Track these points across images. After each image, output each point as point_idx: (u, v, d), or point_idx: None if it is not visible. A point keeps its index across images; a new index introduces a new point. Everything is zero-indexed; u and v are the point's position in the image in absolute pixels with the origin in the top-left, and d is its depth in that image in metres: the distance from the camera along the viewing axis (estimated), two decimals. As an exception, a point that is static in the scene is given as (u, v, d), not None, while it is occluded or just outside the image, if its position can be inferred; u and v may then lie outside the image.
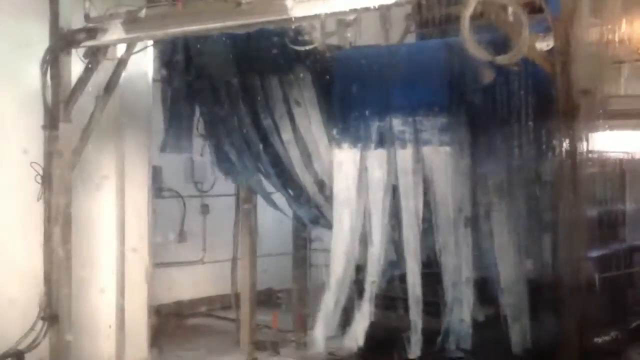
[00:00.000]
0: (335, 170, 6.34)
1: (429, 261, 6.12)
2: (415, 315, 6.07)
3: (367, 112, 6.06)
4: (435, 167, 5.79)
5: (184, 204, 9.88)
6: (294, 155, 6.94)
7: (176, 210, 9.44)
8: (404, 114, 5.83)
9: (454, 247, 5.83)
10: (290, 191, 7.24)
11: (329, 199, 6.71)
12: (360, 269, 6.32)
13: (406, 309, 6.34)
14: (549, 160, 5.22)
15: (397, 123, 5.87)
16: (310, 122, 6.69)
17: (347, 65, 6.15)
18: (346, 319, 6.36)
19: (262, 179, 7.52)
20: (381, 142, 6.05)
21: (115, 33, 6.03)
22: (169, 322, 8.74)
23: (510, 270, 5.77)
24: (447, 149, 5.70)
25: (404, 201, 5.94)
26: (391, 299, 6.68)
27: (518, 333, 5.78)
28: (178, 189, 9.94)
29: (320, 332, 6.37)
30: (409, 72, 5.74)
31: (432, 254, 6.04)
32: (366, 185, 6.13)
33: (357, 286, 6.27)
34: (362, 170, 6.15)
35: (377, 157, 6.07)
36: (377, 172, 6.06)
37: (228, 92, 7.06)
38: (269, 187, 7.70)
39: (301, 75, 6.43)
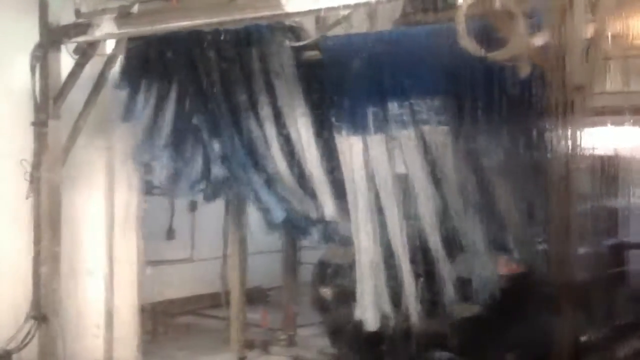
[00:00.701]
0: (340, 157, 6.23)
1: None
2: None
3: (363, 97, 5.95)
4: (437, 145, 5.76)
5: (173, 201, 9.83)
6: (270, 135, 6.57)
7: (165, 208, 9.36)
8: (400, 98, 5.77)
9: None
10: (257, 175, 6.80)
11: (304, 187, 6.54)
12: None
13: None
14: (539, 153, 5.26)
15: (393, 107, 5.81)
16: (291, 97, 6.39)
17: (339, 51, 6.07)
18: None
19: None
20: (380, 126, 5.97)
21: (106, 28, 5.99)
22: (158, 321, 8.68)
23: None
24: (445, 128, 5.65)
25: (416, 183, 5.89)
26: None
27: None
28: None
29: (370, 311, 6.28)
30: (402, 56, 5.68)
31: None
32: (373, 170, 6.05)
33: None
34: (367, 155, 6.04)
35: (379, 141, 6.00)
36: (382, 155, 5.99)
37: (203, 65, 6.67)
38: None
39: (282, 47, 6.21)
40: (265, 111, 6.45)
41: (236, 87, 6.52)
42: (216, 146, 6.79)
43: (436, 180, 5.82)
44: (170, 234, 9.62)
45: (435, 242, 5.90)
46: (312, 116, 6.35)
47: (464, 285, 5.96)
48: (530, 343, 5.79)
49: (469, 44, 4.37)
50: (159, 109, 6.92)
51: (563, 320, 4.21)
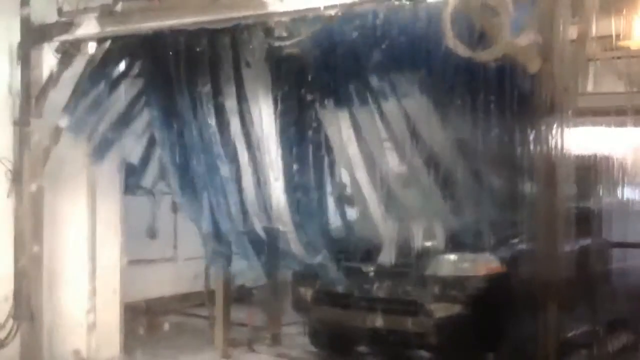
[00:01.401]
0: (328, 129, 6.24)
1: None
2: None
3: (344, 73, 5.93)
4: (418, 116, 5.78)
5: (156, 201, 9.77)
6: (236, 130, 6.35)
7: (148, 208, 9.31)
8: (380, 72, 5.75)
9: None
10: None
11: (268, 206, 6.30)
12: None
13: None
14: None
15: (374, 80, 5.79)
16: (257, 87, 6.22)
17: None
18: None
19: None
20: (363, 100, 5.98)
21: (89, 27, 5.92)
22: (142, 320, 8.64)
23: None
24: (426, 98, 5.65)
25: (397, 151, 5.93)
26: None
27: None
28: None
29: None
30: (382, 35, 5.62)
31: None
32: (359, 141, 6.06)
33: None
34: (351, 128, 6.06)
35: (362, 113, 6.01)
36: (370, 126, 6.01)
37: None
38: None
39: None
40: (230, 103, 6.32)
41: (202, 77, 6.37)
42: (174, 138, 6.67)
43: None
44: (152, 233, 9.55)
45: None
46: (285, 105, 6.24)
47: (443, 284, 6.04)
48: (510, 344, 5.86)
49: (455, 44, 4.38)
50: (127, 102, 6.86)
51: (544, 322, 4.26)
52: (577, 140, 4.40)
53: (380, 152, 6.05)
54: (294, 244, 6.30)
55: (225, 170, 6.37)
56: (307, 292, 7.16)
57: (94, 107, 6.74)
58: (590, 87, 5.14)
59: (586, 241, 6.21)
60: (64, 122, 6.63)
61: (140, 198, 9.53)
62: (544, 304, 4.32)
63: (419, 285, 6.30)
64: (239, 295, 9.62)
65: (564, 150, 4.22)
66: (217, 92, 6.33)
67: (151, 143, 7.07)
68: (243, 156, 6.34)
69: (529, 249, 4.82)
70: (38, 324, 6.71)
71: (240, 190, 6.40)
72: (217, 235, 6.63)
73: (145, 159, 7.24)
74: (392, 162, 6.05)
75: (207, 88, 6.30)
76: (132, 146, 7.19)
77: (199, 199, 6.64)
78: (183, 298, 9.84)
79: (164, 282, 9.72)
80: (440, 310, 6.19)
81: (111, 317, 7.82)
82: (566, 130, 4.18)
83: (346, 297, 6.75)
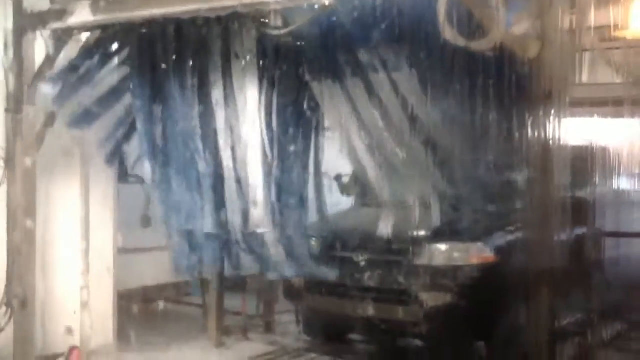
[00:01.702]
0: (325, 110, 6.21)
1: None
2: None
3: (341, 53, 5.90)
4: (414, 99, 5.75)
5: (148, 189, 9.74)
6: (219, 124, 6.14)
7: (141, 196, 9.28)
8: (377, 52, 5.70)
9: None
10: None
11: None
12: None
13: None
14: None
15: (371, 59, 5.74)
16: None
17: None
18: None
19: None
20: (354, 72, 5.93)
21: (82, 15, 5.87)
22: (136, 308, 8.64)
23: None
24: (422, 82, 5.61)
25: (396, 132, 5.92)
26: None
27: None
28: (142, 174, 9.80)
29: None
30: (381, 15, 5.50)
31: None
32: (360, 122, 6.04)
33: None
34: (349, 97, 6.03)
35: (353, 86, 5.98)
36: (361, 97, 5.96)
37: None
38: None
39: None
40: (216, 94, 6.17)
41: (188, 67, 6.26)
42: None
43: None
44: (146, 221, 9.53)
45: None
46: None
47: (434, 273, 6.03)
48: (503, 333, 5.87)
49: (450, 34, 4.38)
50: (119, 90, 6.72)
51: (537, 311, 4.27)
52: (573, 129, 4.40)
53: (379, 132, 5.99)
54: (273, 249, 6.09)
55: (202, 165, 6.19)
56: (299, 281, 7.16)
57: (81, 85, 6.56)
58: (588, 78, 5.11)
59: (580, 230, 6.20)
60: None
61: (135, 187, 9.55)
62: (536, 293, 4.34)
63: (411, 275, 6.28)
64: (232, 284, 9.65)
65: (559, 139, 4.23)
66: (203, 83, 6.20)
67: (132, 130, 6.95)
68: (225, 151, 6.16)
69: (522, 238, 4.82)
70: (31, 310, 6.69)
71: (216, 188, 6.19)
72: (187, 233, 6.38)
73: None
74: (391, 142, 5.98)
75: (192, 78, 6.19)
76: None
77: (172, 193, 6.42)
78: (177, 286, 9.82)
79: (157, 270, 9.69)
80: (432, 300, 6.18)
81: (105, 304, 7.83)
82: (562, 119, 4.18)
83: (337, 286, 6.74)
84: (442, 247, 6.36)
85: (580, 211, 6.08)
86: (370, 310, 6.54)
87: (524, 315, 4.50)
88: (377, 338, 7.22)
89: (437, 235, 6.43)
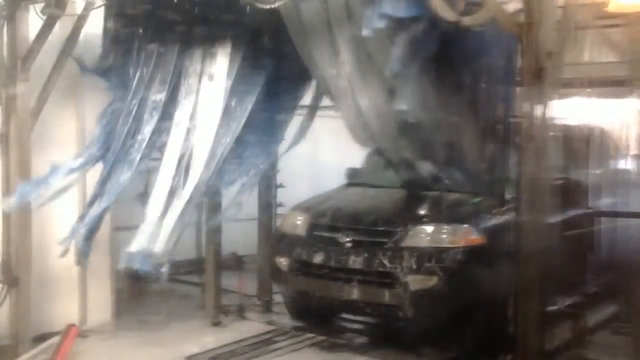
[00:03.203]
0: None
1: None
2: None
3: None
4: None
5: (147, 167, 9.70)
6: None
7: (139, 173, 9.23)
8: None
9: None
10: None
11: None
12: None
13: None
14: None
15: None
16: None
17: None
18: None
19: None
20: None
21: (72, -13, 5.82)
22: (133, 286, 8.62)
23: None
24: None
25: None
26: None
27: None
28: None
29: None
30: None
31: None
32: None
33: None
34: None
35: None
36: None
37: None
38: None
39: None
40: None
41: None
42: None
43: None
44: (144, 199, 9.48)
45: None
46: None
47: (420, 255, 5.91)
48: (489, 317, 5.75)
49: (442, 8, 4.28)
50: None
51: (525, 295, 4.20)
52: (565, 108, 4.30)
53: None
54: None
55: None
56: (284, 262, 7.09)
57: None
58: (581, 57, 4.99)
59: (571, 211, 6.05)
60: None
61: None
62: (524, 277, 4.27)
63: (395, 257, 6.14)
64: (230, 263, 9.64)
65: (549, 119, 4.13)
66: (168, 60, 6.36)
67: None
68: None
69: (511, 219, 4.72)
70: (26, 288, 6.68)
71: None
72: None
73: None
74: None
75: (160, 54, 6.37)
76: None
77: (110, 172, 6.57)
78: (174, 265, 9.78)
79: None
80: (417, 283, 6.03)
81: (102, 283, 7.81)
82: (550, 97, 4.08)
83: (322, 267, 6.63)
84: (428, 228, 6.24)
85: (572, 192, 5.97)
86: (354, 293, 6.42)
87: (512, 298, 4.41)
88: (361, 321, 7.12)
89: (423, 216, 6.31)
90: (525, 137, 4.22)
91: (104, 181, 6.45)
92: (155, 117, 6.32)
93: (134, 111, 6.46)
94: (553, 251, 4.49)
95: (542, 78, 4.08)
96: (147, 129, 6.34)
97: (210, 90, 6.24)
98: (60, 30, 6.73)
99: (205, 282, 8.18)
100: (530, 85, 4.12)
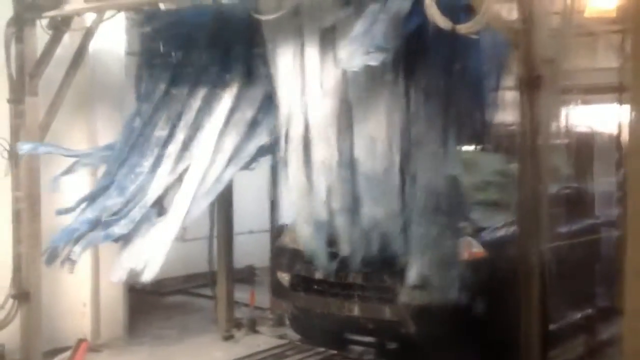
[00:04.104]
0: None
1: None
2: None
3: None
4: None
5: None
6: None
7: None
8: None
9: None
10: None
11: None
12: None
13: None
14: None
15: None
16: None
17: None
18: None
19: None
20: None
21: (77, 2, 5.84)
22: (146, 300, 8.62)
23: None
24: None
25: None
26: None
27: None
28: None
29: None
30: None
31: None
32: None
33: None
34: None
35: None
36: None
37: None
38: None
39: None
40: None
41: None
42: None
43: None
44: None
45: None
46: None
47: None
48: (493, 333, 5.54)
49: (436, 15, 4.19)
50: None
51: (529, 309, 4.06)
52: (563, 116, 4.18)
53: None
54: None
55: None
56: (285, 277, 6.94)
57: None
58: (580, 63, 4.85)
59: (575, 223, 5.83)
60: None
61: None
62: (528, 291, 4.13)
63: (396, 271, 5.92)
64: (244, 275, 9.59)
65: (548, 126, 4.01)
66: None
67: None
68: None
69: (514, 231, 4.55)
70: (37, 303, 6.69)
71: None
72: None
73: None
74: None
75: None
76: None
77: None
78: (188, 278, 9.79)
79: (169, 262, 9.67)
80: (418, 298, 5.81)
81: (115, 297, 7.81)
82: (548, 103, 3.96)
83: (322, 283, 6.42)
84: None
85: (578, 201, 5.75)
86: (354, 308, 6.20)
87: (516, 313, 4.25)
88: (362, 337, 6.91)
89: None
90: (522, 145, 4.10)
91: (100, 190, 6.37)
92: (156, 152, 6.27)
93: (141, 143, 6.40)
94: (558, 264, 4.34)
95: (539, 86, 3.96)
96: (145, 164, 6.26)
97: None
98: (70, 43, 6.78)
99: (218, 296, 8.13)
100: (526, 93, 4.01)
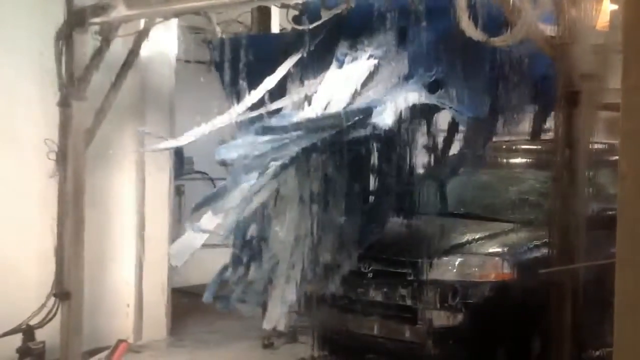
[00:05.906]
0: None
1: None
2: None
3: None
4: None
5: (214, 186, 9.77)
6: None
7: (203, 190, 9.30)
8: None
9: None
10: None
11: None
12: None
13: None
14: None
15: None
16: None
17: None
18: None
19: None
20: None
21: (122, 10, 5.91)
22: (191, 303, 8.65)
23: None
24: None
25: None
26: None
27: None
28: (208, 170, 9.89)
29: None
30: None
31: None
32: None
33: None
34: None
35: None
36: None
37: None
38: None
39: None
40: None
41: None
42: None
43: None
44: (196, 209, 9.51)
45: None
46: None
47: (445, 289, 5.51)
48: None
49: (469, 28, 4.07)
50: None
51: (559, 335, 3.89)
52: (603, 134, 4.00)
53: None
54: None
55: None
56: (312, 293, 6.78)
57: None
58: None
59: (610, 246, 5.53)
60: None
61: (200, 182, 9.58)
62: (558, 315, 3.96)
63: (419, 290, 5.70)
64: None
65: (586, 145, 3.84)
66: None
67: None
68: None
69: (544, 253, 4.36)
70: (78, 302, 6.78)
71: None
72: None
73: None
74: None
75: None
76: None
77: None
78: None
79: (214, 267, 9.70)
80: (441, 319, 5.60)
81: (158, 299, 7.88)
82: (587, 121, 3.80)
83: (342, 299, 6.24)
84: (455, 260, 5.79)
85: (610, 222, 5.44)
86: (374, 327, 6.01)
87: (545, 339, 4.06)
88: (381, 358, 6.67)
89: (451, 247, 5.87)
90: (559, 163, 3.94)
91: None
92: None
93: None
94: (596, 287, 4.14)
95: (577, 102, 3.81)
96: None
97: None
98: (122, 49, 6.87)
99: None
100: (564, 109, 3.85)
